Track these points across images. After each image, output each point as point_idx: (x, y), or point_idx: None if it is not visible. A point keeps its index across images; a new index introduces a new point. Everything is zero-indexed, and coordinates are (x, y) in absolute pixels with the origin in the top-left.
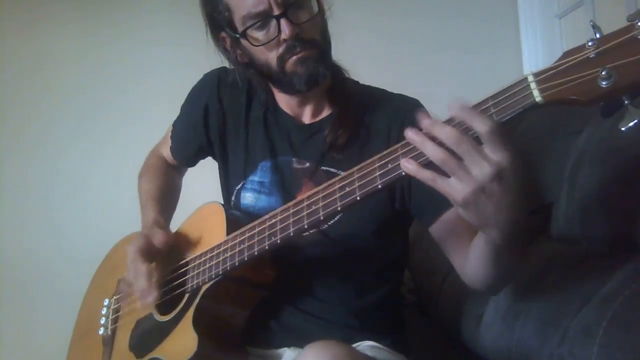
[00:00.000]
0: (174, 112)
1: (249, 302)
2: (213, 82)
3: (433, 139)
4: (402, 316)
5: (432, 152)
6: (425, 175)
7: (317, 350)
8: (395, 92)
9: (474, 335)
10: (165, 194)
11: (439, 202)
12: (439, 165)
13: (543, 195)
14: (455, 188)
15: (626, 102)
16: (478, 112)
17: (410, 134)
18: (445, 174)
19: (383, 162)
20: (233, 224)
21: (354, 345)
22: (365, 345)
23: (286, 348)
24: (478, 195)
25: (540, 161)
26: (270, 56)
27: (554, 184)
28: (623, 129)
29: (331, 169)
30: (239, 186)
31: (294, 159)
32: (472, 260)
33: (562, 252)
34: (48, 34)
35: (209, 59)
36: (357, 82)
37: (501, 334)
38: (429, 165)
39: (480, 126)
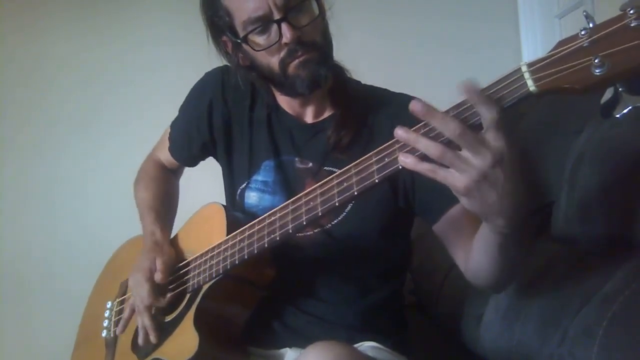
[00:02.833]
0: (175, 112)
1: (250, 302)
2: (217, 81)
3: (425, 132)
4: (404, 317)
5: (427, 148)
6: (424, 167)
7: (318, 350)
8: (395, 91)
9: (474, 336)
10: (163, 201)
11: (443, 199)
12: (437, 160)
13: (543, 195)
14: (457, 178)
15: (620, 89)
16: (487, 96)
17: (400, 132)
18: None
19: (380, 156)
20: (233, 224)
21: (355, 346)
22: (366, 346)
23: (288, 348)
24: (480, 183)
25: (541, 161)
26: (272, 60)
27: (554, 184)
28: (618, 115)
29: (334, 169)
30: (243, 186)
31: (296, 159)
32: (476, 254)
33: (562, 252)
34: (48, 34)
35: (209, 58)
36: (359, 82)
37: (501, 334)
38: (427, 157)
39: (488, 112)
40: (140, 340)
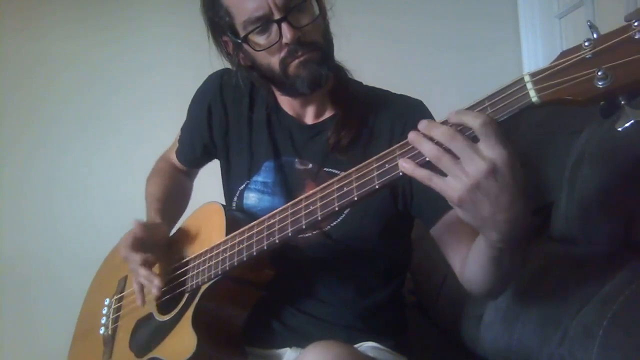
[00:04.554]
0: (174, 113)
1: (248, 302)
2: (216, 84)
3: (431, 139)
4: (404, 318)
5: (428, 149)
6: (421, 174)
7: (318, 350)
8: (395, 92)
9: (474, 336)
10: (169, 196)
11: (440, 204)
12: (434, 163)
13: (543, 195)
14: (450, 186)
15: (622, 102)
16: (470, 110)
17: (410, 134)
18: (442, 174)
19: (380, 162)
20: (232, 224)
21: (355, 346)
22: (367, 346)
23: (287, 348)
24: (474, 192)
25: (541, 161)
26: (273, 60)
27: (554, 184)
28: (619, 129)
29: (334, 170)
30: (243, 186)
31: (296, 160)
32: (471, 264)
33: (562, 252)
34: (48, 34)
35: (210, 59)
36: (360, 83)
37: (501, 334)
38: (426, 165)
39: (473, 121)
40: (139, 301)
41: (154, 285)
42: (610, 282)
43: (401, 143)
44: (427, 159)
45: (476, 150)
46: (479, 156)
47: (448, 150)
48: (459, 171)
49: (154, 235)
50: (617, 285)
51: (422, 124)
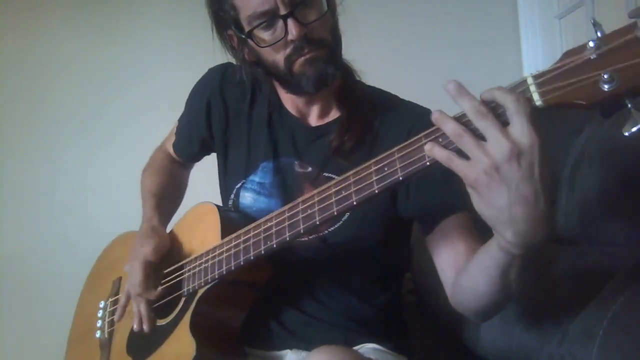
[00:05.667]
0: (174, 113)
1: (246, 303)
2: (216, 78)
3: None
4: (404, 320)
5: (452, 128)
6: (440, 154)
7: (322, 355)
8: (393, 91)
9: (475, 337)
10: (166, 190)
11: (438, 211)
12: (455, 142)
13: None
14: (469, 166)
15: (629, 105)
16: (515, 92)
17: (434, 113)
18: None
19: (379, 166)
20: (227, 226)
21: (356, 347)
22: (368, 348)
23: (288, 350)
24: (491, 174)
25: None
26: (278, 57)
27: (554, 184)
28: (626, 134)
29: (334, 176)
30: (239, 185)
31: (296, 162)
32: (473, 269)
33: (562, 252)
34: (48, 34)
35: (212, 58)
36: (367, 85)
37: (501, 335)
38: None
39: (504, 96)
40: (135, 326)
41: (144, 324)
42: (610, 282)
43: (400, 146)
44: (450, 137)
45: (502, 130)
46: (504, 136)
47: (474, 131)
48: (480, 152)
49: (161, 253)
50: (617, 285)
51: (455, 92)
